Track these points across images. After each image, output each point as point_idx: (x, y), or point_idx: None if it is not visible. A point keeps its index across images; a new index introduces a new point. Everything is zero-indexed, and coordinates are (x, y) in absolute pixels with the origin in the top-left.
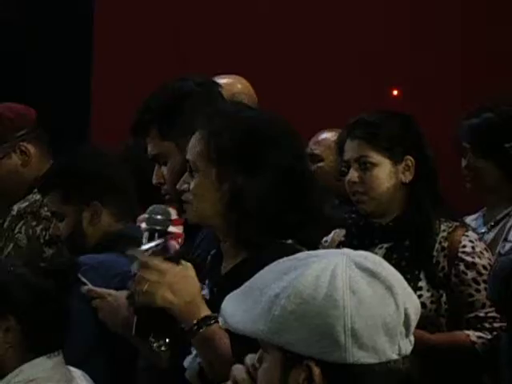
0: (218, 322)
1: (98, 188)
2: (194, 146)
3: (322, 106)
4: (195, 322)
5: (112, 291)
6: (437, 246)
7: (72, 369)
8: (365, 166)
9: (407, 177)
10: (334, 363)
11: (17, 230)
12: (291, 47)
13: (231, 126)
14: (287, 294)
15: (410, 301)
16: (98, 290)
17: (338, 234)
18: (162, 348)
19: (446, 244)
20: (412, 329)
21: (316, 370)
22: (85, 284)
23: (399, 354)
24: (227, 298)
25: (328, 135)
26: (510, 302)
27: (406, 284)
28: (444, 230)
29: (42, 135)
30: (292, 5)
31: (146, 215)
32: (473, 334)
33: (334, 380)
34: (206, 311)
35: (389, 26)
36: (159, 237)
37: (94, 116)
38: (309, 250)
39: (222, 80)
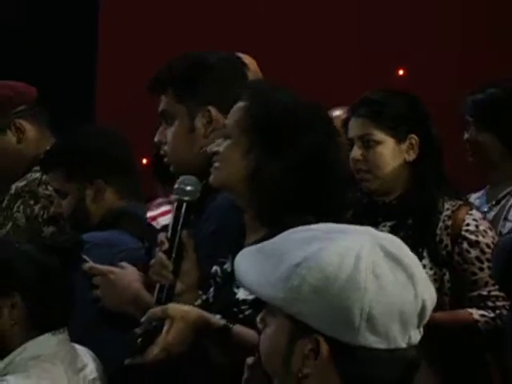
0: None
1: (101, 166)
2: (234, 112)
3: (326, 86)
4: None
5: (114, 269)
6: (440, 224)
7: (77, 346)
8: (368, 143)
9: (411, 155)
10: (343, 343)
11: (15, 209)
12: (295, 27)
13: (271, 105)
14: (309, 265)
15: (428, 292)
16: (100, 267)
17: None
18: (139, 340)
19: (449, 222)
20: (425, 321)
21: (324, 346)
22: (86, 261)
23: (408, 343)
24: (242, 253)
25: (340, 112)
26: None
27: (424, 272)
28: (448, 209)
29: (41, 113)
30: None
31: (175, 185)
32: (476, 313)
33: (340, 359)
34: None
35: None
36: (187, 207)
37: (99, 100)
38: None
39: None
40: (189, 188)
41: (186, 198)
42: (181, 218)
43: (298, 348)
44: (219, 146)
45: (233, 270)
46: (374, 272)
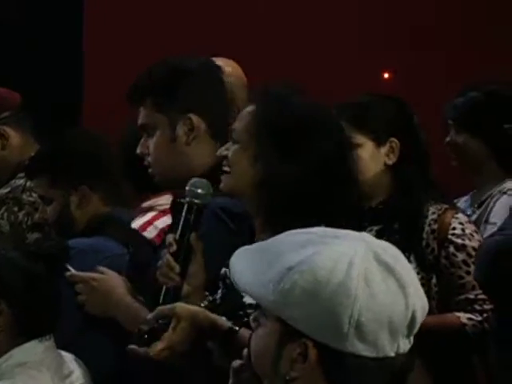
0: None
1: (85, 172)
2: (242, 117)
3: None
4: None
5: (96, 275)
6: (426, 228)
7: (63, 353)
8: None
9: (391, 159)
10: (331, 348)
11: None
12: (287, 32)
13: (281, 109)
14: (301, 269)
15: (419, 303)
16: (82, 274)
17: None
18: (145, 336)
19: (435, 226)
20: (415, 330)
21: (312, 351)
22: (68, 270)
23: (396, 352)
24: (238, 252)
25: None
26: (495, 283)
27: (418, 284)
28: (434, 213)
29: (25, 120)
30: None
31: (186, 187)
32: (463, 316)
33: (328, 364)
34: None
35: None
36: (197, 210)
37: (87, 100)
38: None
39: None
40: (200, 191)
41: (197, 201)
42: (190, 221)
43: (287, 351)
44: (228, 150)
45: None
46: (366, 279)
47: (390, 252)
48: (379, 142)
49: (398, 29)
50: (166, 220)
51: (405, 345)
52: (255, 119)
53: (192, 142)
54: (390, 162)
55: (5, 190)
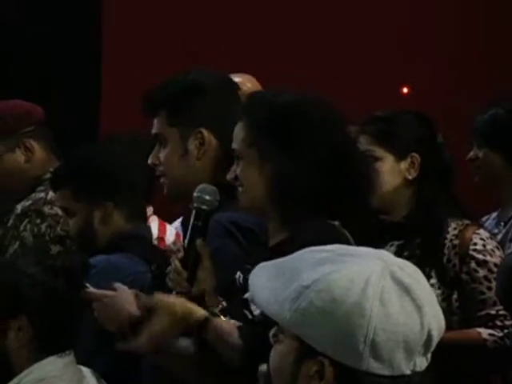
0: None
1: (110, 188)
2: (237, 134)
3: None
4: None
5: (109, 292)
6: (448, 243)
7: (83, 368)
8: None
9: (412, 174)
10: (347, 367)
11: (22, 228)
12: (301, 43)
13: (270, 109)
14: (318, 288)
15: (435, 321)
16: (95, 291)
17: None
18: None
19: (456, 242)
20: (432, 348)
21: (329, 369)
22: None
23: (413, 370)
24: (258, 267)
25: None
26: None
27: (436, 304)
28: (455, 228)
29: (47, 134)
30: (301, 4)
31: (194, 194)
32: (484, 332)
33: (344, 382)
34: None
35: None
36: (205, 217)
37: (103, 117)
38: (351, 234)
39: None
40: (207, 197)
41: (204, 207)
42: (198, 227)
43: (304, 368)
44: (235, 171)
45: None
46: (382, 299)
47: (408, 270)
48: (400, 157)
49: (418, 44)
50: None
51: (421, 362)
52: (248, 129)
53: (203, 156)
54: (410, 177)
55: (26, 203)
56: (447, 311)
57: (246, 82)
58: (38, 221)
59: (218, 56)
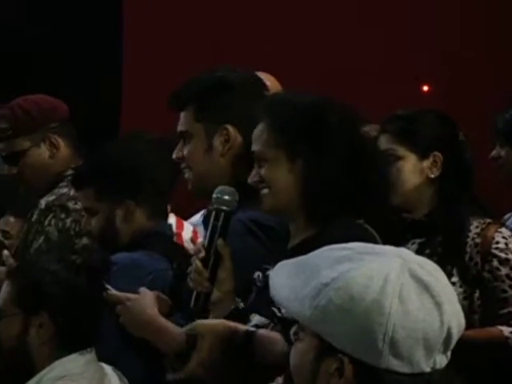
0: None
1: (131, 187)
2: (258, 136)
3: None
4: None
5: (131, 295)
6: (470, 242)
7: (104, 366)
8: (390, 158)
9: (434, 172)
10: (367, 364)
11: (46, 223)
12: (320, 42)
13: (297, 110)
14: (337, 286)
15: (455, 319)
16: (118, 294)
17: None
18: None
19: (478, 240)
20: (452, 346)
21: (348, 367)
22: (107, 289)
23: (433, 368)
24: (279, 266)
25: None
26: None
27: (456, 301)
28: (477, 227)
29: (72, 130)
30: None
31: (213, 195)
32: (506, 330)
33: (364, 380)
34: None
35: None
36: (225, 217)
37: (124, 115)
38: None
39: None
40: (226, 197)
41: (224, 208)
42: (218, 227)
43: (324, 366)
44: (258, 173)
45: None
46: (401, 297)
47: (427, 268)
48: (422, 156)
49: (440, 42)
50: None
51: (441, 360)
52: (271, 131)
53: (227, 153)
54: (432, 176)
55: (50, 198)
56: (469, 309)
57: (265, 81)
58: (63, 215)
59: (238, 54)
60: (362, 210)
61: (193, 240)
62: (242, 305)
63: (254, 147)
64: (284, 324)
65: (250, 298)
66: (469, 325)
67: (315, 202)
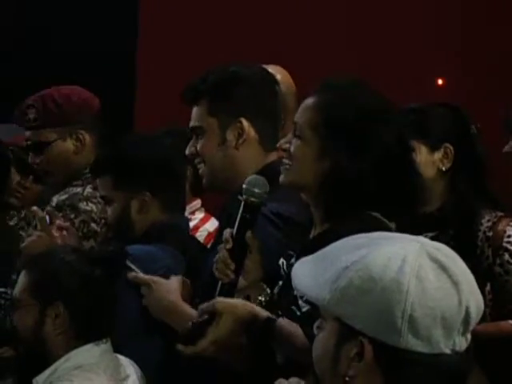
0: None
1: (148, 178)
2: (304, 111)
3: None
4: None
5: (157, 278)
6: (481, 235)
7: (120, 356)
8: None
9: (445, 165)
10: (386, 345)
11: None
12: (333, 37)
13: (344, 103)
14: (356, 268)
15: (474, 300)
16: (144, 276)
17: None
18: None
19: (490, 234)
20: (471, 327)
21: (368, 347)
22: (132, 270)
23: (453, 350)
24: (300, 261)
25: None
26: None
27: (474, 283)
28: (488, 220)
29: (100, 127)
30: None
31: (243, 185)
32: None
33: (384, 361)
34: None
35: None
36: (253, 208)
37: (138, 109)
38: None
39: None
40: (256, 190)
41: (253, 199)
42: (247, 219)
43: (345, 351)
44: (290, 144)
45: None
46: (419, 276)
47: (444, 252)
48: (433, 147)
49: (453, 36)
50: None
51: (461, 342)
52: (317, 114)
53: (240, 146)
54: (444, 168)
55: (62, 197)
56: None
57: (276, 74)
58: (72, 216)
59: (251, 49)
60: (384, 206)
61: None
62: (268, 291)
63: (297, 117)
64: (304, 322)
65: (278, 285)
66: (480, 318)
67: (333, 200)
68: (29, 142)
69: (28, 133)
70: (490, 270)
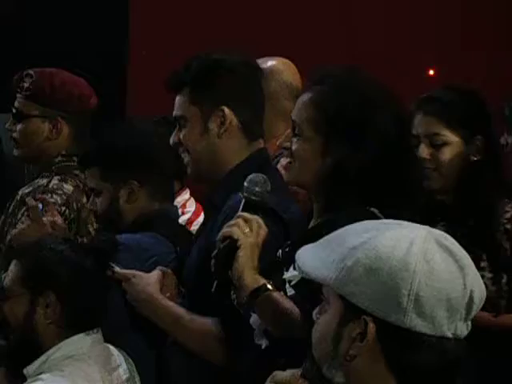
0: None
1: (136, 167)
2: (301, 108)
3: None
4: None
5: (136, 272)
6: (500, 227)
7: (110, 347)
8: (436, 143)
9: (476, 157)
10: (390, 324)
11: (19, 216)
12: (336, 22)
13: (341, 93)
14: (364, 248)
15: (477, 285)
16: (123, 271)
17: None
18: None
19: (509, 226)
20: (473, 313)
21: (371, 327)
22: (112, 267)
23: (454, 334)
24: (304, 247)
25: None
26: None
27: (476, 271)
28: (507, 212)
29: (86, 124)
30: None
31: (244, 183)
32: None
33: (386, 341)
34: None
35: None
36: (254, 207)
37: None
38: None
39: (268, 62)
40: (257, 189)
41: (254, 198)
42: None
43: (348, 331)
44: (291, 143)
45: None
46: (426, 257)
47: (451, 240)
48: (467, 140)
49: (446, 27)
50: None
51: (462, 328)
52: (315, 110)
53: (223, 135)
54: (475, 159)
55: (26, 190)
56: (496, 294)
57: (280, 65)
58: None
59: (249, 41)
60: (385, 200)
61: None
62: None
63: (294, 114)
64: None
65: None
66: (495, 310)
67: (334, 194)
68: (13, 109)
69: (18, 99)
70: (507, 262)
